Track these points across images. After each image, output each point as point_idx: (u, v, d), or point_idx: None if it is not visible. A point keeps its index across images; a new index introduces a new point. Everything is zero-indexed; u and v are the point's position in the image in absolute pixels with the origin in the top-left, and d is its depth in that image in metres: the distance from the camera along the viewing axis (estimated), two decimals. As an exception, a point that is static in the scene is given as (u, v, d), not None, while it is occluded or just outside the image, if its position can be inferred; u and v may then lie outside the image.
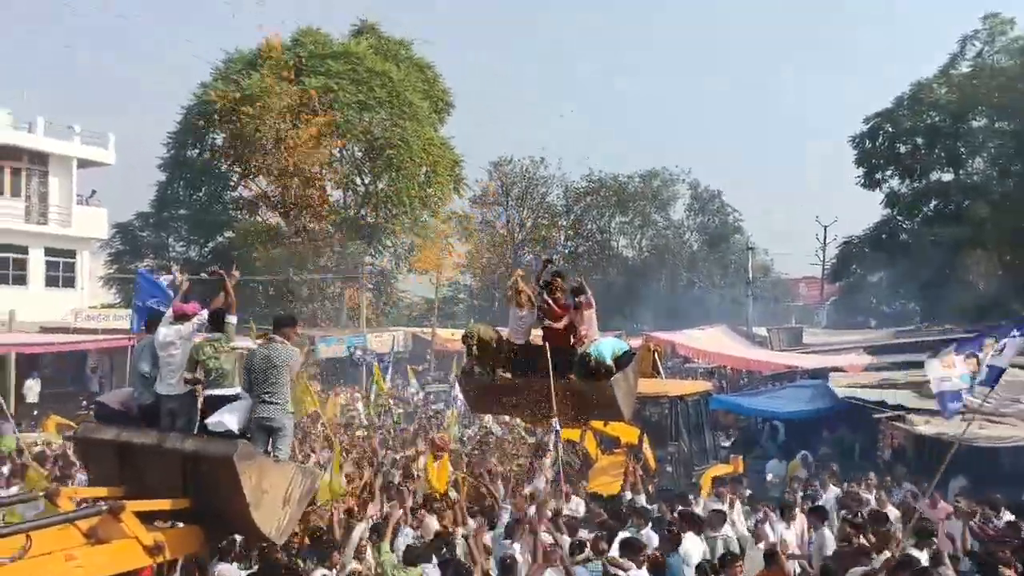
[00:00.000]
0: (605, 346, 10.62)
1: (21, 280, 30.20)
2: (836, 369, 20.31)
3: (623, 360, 10.72)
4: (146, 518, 6.84)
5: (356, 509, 10.56)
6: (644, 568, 8.34)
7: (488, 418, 19.19)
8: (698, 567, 8.48)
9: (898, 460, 16.02)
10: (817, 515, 10.24)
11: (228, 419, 7.27)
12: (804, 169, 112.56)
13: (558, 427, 10.36)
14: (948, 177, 40.27)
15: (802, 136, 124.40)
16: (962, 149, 39.06)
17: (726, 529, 10.25)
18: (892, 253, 39.73)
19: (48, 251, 31.15)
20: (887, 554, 8.30)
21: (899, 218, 41.55)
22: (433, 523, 10.12)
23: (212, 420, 7.27)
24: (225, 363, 7.48)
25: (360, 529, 9.23)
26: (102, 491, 7.26)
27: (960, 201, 38.24)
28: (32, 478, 11.83)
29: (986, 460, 14.56)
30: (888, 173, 41.66)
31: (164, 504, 7.05)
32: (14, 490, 11.31)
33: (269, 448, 7.43)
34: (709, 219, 53.71)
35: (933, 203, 40.17)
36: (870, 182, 41.88)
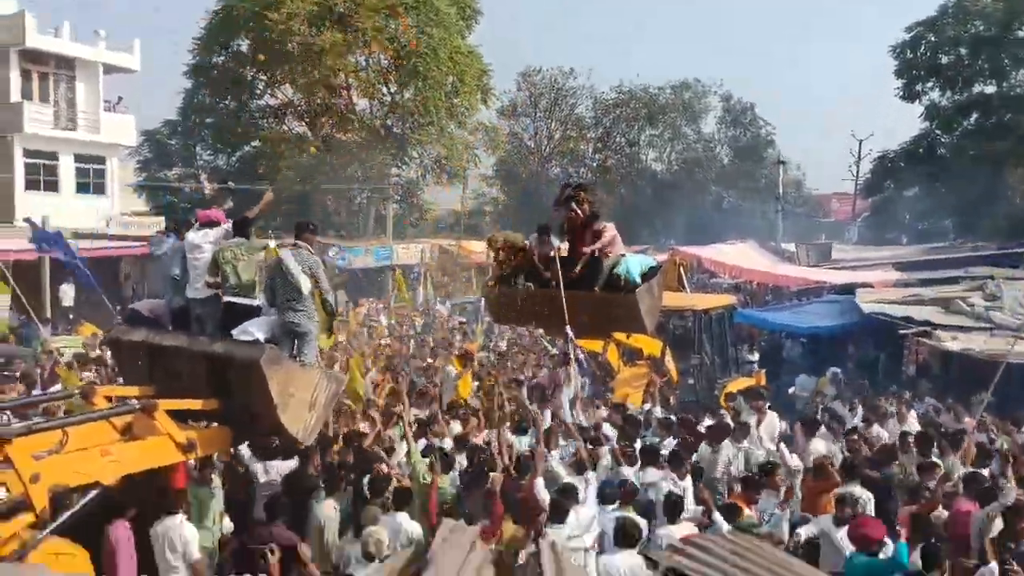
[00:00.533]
0: (633, 263, 10.61)
1: (53, 186, 30.48)
2: (864, 285, 20.11)
3: (649, 275, 10.71)
4: (178, 418, 7.08)
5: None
6: (688, 478, 8.62)
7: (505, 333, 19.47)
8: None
9: (922, 376, 16.03)
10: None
11: (254, 329, 7.40)
12: (841, 82, 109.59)
13: (571, 334, 10.41)
14: (991, 89, 38.97)
15: (840, 47, 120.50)
16: (1006, 60, 37.66)
17: (746, 443, 10.42)
18: (929, 168, 38.87)
19: (78, 157, 31.31)
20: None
21: (938, 132, 40.48)
22: (456, 428, 10.33)
23: (239, 330, 7.40)
24: (244, 272, 7.57)
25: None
26: (135, 391, 7.49)
27: (1002, 114, 37.11)
28: (67, 379, 12.15)
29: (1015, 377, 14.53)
30: (929, 85, 40.41)
31: (194, 404, 7.27)
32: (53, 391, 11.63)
33: (295, 353, 7.60)
34: (741, 132, 52.51)
35: (974, 116, 39.02)
36: (909, 94, 40.68)
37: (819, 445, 10.08)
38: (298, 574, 6.25)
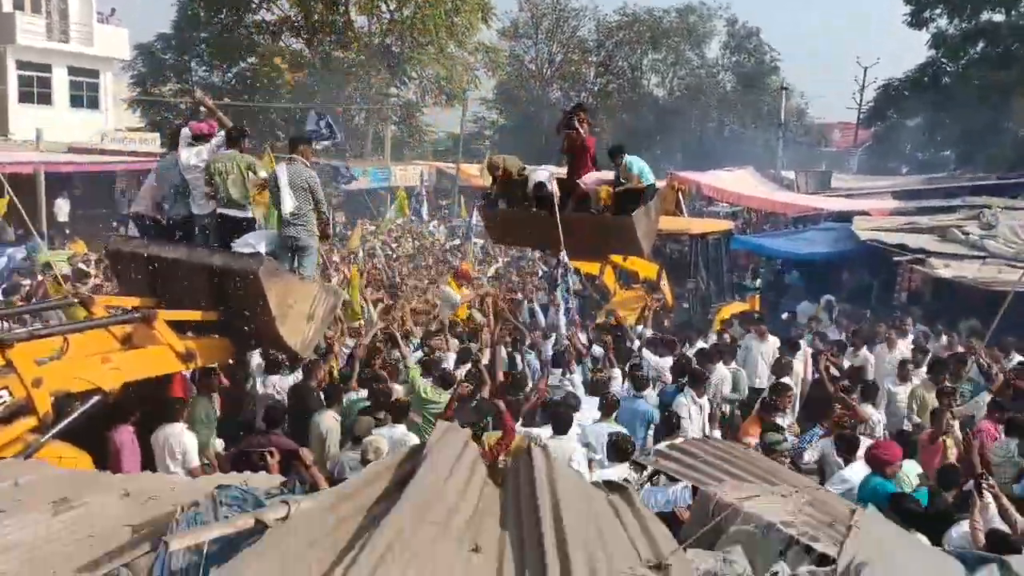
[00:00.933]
0: (635, 162, 10.60)
1: (46, 99, 30.09)
2: (861, 213, 20.10)
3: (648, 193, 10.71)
4: (178, 328, 7.16)
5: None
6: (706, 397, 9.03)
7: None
8: None
9: (914, 303, 16.17)
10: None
11: (255, 240, 7.45)
12: (849, 8, 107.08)
13: (566, 259, 10.46)
14: (999, 18, 38.21)
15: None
16: (1017, -13, 36.89)
17: (734, 365, 10.68)
18: (933, 97, 38.36)
19: (71, 70, 30.83)
20: None
21: (944, 60, 39.83)
22: (455, 345, 10.46)
23: (240, 242, 7.44)
24: (233, 186, 7.56)
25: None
26: (135, 300, 7.54)
27: (1009, 43, 36.49)
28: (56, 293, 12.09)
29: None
30: (936, 12, 39.58)
31: (194, 315, 7.33)
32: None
33: (294, 266, 7.66)
34: (745, 58, 51.60)
35: (980, 45, 38.35)
36: (917, 21, 39.86)
37: (798, 367, 10.31)
38: (300, 477, 6.41)
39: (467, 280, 13.94)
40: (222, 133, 7.88)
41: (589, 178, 10.77)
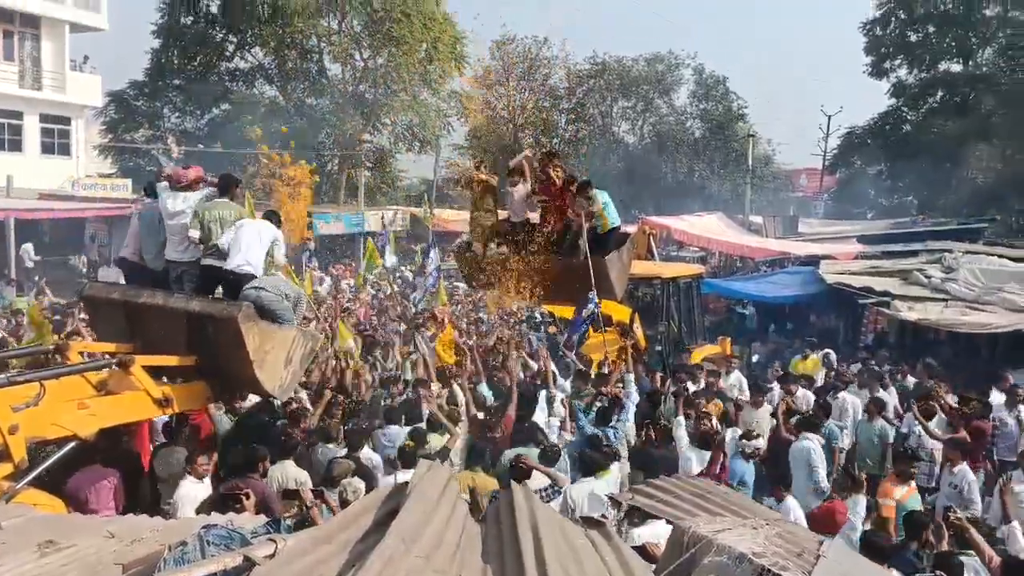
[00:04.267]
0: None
1: (17, 146, 30.02)
2: (828, 257, 20.55)
3: (610, 238, 10.95)
4: (154, 374, 7.16)
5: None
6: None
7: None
8: None
9: (880, 344, 16.49)
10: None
11: (252, 258, 7.49)
12: (811, 58, 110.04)
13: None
14: (957, 68, 39.59)
15: (811, 24, 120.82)
16: (973, 39, 38.24)
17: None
18: (894, 144, 39.47)
19: (43, 117, 30.82)
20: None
21: (904, 109, 41.09)
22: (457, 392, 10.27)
23: (235, 261, 7.43)
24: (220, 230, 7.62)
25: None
26: (111, 346, 7.52)
27: (967, 92, 37.75)
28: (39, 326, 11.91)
29: (964, 345, 15.13)
30: (897, 62, 40.94)
31: (171, 360, 7.32)
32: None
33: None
34: (713, 106, 52.68)
35: (940, 94, 39.63)
36: (878, 71, 41.20)
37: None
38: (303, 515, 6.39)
39: (445, 322, 13.97)
40: (215, 180, 7.97)
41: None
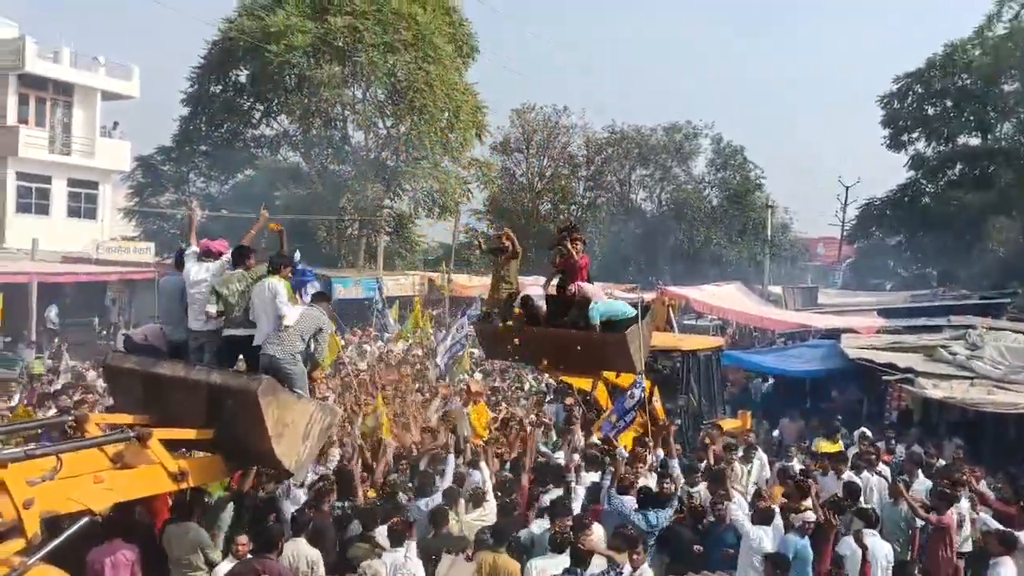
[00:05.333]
0: (599, 309, 10.80)
1: (44, 210, 30.58)
2: (849, 330, 20.36)
3: (620, 323, 10.88)
4: (170, 447, 7.10)
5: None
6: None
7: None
8: None
9: (904, 422, 16.21)
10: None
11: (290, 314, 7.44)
12: (829, 129, 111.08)
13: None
14: (976, 141, 39.77)
15: (829, 96, 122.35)
16: (992, 113, 38.50)
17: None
18: (913, 216, 39.47)
19: (71, 182, 31.47)
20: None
21: (923, 181, 41.18)
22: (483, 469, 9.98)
23: (285, 311, 7.36)
24: (242, 303, 7.63)
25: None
26: (128, 418, 7.48)
27: (986, 166, 37.86)
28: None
29: (992, 427, 14.81)
30: (915, 135, 41.18)
31: (189, 433, 7.27)
32: (48, 412, 11.60)
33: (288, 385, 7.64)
34: (730, 175, 53.03)
35: (959, 167, 39.75)
36: (896, 143, 41.43)
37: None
38: None
39: (480, 396, 13.80)
40: (230, 251, 8.01)
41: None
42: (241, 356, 7.85)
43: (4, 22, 31.27)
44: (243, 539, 7.02)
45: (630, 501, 8.70)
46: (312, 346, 7.61)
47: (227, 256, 7.86)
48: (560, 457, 10.60)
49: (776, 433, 16.12)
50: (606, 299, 11.15)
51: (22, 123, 29.86)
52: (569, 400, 14.00)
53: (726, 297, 26.12)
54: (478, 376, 17.64)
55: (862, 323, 22.21)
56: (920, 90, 39.99)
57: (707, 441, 12.22)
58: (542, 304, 11.48)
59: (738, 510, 8.73)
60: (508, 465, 10.61)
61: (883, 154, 42.41)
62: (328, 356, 14.05)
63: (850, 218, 47.93)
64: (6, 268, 22.36)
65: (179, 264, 8.07)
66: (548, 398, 15.36)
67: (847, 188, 49.84)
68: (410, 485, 9.46)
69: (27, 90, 30.18)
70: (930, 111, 40.46)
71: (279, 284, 7.49)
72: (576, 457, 10.40)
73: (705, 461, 11.14)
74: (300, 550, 7.29)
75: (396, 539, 7.41)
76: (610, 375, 13.19)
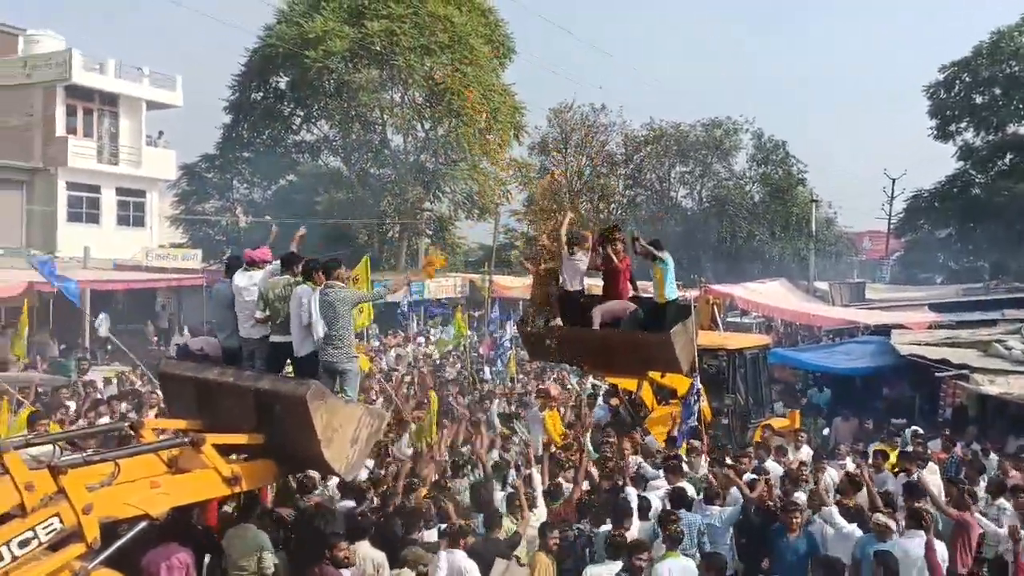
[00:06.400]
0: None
1: (94, 219, 31.22)
2: (899, 326, 19.96)
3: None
4: (223, 451, 7.20)
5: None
6: None
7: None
8: None
9: (958, 419, 15.84)
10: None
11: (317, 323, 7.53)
12: (873, 121, 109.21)
13: (699, 385, 10.56)
14: (1026, 130, 38.82)
15: (873, 86, 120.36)
16: (1042, 100, 37.57)
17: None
18: (963, 208, 38.62)
19: (119, 191, 32.09)
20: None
21: (972, 172, 40.29)
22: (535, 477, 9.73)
23: (312, 320, 7.47)
24: (284, 307, 7.71)
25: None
26: (182, 424, 7.61)
27: (1038, 155, 36.94)
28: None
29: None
30: (963, 125, 40.32)
31: (240, 438, 7.36)
32: (101, 420, 11.83)
33: (337, 389, 7.72)
34: (772, 170, 52.34)
35: (1009, 156, 38.82)
36: (943, 134, 40.64)
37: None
38: None
39: (556, 401, 13.71)
40: (277, 258, 8.10)
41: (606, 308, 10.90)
42: (288, 362, 7.93)
43: (52, 35, 31.98)
44: (343, 545, 7.09)
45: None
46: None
47: (273, 266, 7.95)
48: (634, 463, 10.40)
49: (826, 432, 15.83)
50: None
51: (71, 134, 30.52)
52: (614, 401, 13.95)
53: (771, 294, 25.78)
54: (554, 382, 17.48)
55: (913, 318, 21.77)
56: (967, 79, 39.17)
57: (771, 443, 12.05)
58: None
59: (834, 515, 8.44)
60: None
61: (930, 144, 41.58)
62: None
63: (897, 211, 47.08)
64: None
65: (229, 272, 8.18)
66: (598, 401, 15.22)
67: (893, 180, 48.98)
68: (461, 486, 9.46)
69: (75, 101, 30.84)
70: (978, 100, 39.59)
71: (308, 290, 7.58)
72: (636, 460, 10.30)
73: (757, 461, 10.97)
74: (365, 553, 7.33)
75: (452, 542, 7.42)
76: (656, 375, 13.10)
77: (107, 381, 17.58)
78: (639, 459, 10.76)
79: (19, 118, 30.16)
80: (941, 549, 7.71)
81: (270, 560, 7.27)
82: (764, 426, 13.55)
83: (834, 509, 8.49)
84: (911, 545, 7.64)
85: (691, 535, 8.27)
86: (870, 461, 10.95)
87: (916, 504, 8.40)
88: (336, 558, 6.96)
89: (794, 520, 8.36)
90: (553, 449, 11.41)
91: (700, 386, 11.03)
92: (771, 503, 8.99)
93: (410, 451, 10.48)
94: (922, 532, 7.72)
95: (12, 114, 29.95)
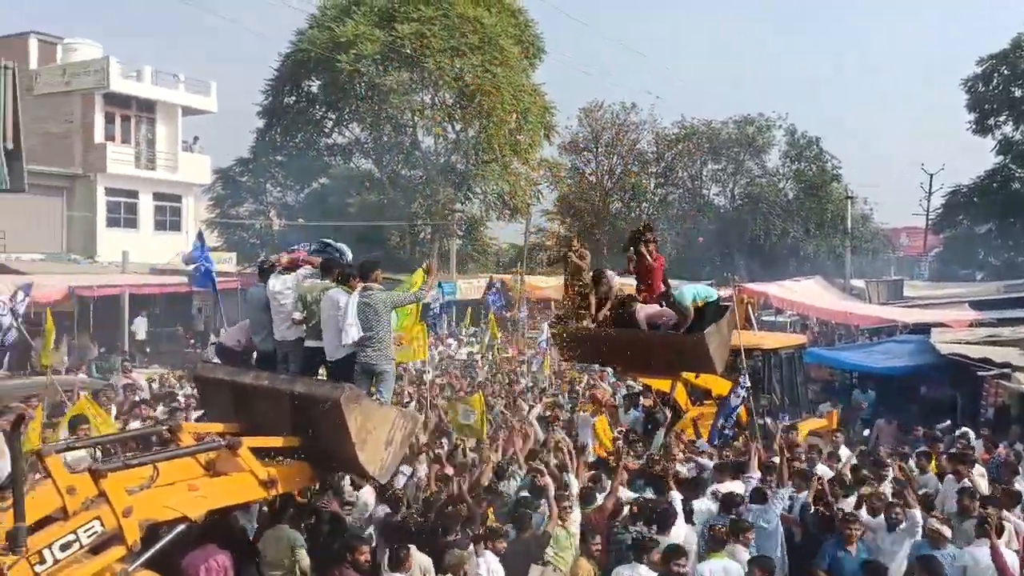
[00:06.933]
0: (687, 290, 10.65)
1: (132, 224, 31.74)
2: (938, 324, 19.60)
3: (708, 309, 10.70)
4: (259, 454, 7.26)
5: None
6: None
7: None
8: None
9: (1000, 419, 15.51)
10: None
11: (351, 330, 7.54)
12: (909, 115, 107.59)
13: (745, 384, 10.43)
14: (1067, 122, 37.98)
15: (909, 81, 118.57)
16: (1084, 92, 36.74)
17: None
18: (1003, 202, 37.88)
19: (156, 196, 32.58)
20: None
21: (1012, 166, 39.48)
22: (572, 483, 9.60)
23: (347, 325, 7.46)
24: (318, 311, 7.73)
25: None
26: (219, 427, 7.67)
27: (1079, 148, 36.12)
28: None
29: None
30: (1001, 119, 39.53)
31: (276, 441, 7.41)
32: (134, 424, 11.97)
33: (372, 391, 7.76)
34: (806, 166, 51.68)
35: (1050, 150, 38.04)
36: (982, 128, 39.86)
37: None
38: None
39: (605, 406, 13.65)
40: (317, 261, 8.13)
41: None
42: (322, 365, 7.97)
43: (89, 43, 32.52)
44: (365, 548, 7.13)
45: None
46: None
47: (307, 268, 7.99)
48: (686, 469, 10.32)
49: (866, 433, 15.59)
50: (669, 317, 10.88)
51: (109, 140, 31.04)
52: (648, 402, 13.86)
53: (806, 292, 25.47)
54: (606, 386, 17.35)
55: (953, 316, 21.37)
56: (1006, 71, 38.39)
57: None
58: (615, 280, 11.40)
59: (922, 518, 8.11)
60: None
61: (969, 139, 40.80)
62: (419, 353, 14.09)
63: (935, 206, 46.28)
64: (99, 281, 23.25)
65: (262, 275, 8.24)
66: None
67: (931, 176, 48.17)
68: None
69: (112, 108, 31.37)
70: (1017, 93, 38.80)
71: (343, 294, 7.57)
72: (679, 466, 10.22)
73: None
74: (413, 557, 7.36)
75: (485, 544, 7.42)
76: (690, 376, 13.01)
77: (149, 382, 17.83)
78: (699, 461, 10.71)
79: (59, 125, 30.75)
80: (1011, 557, 7.51)
81: (304, 556, 7.32)
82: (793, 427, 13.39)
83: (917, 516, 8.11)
84: (980, 553, 7.43)
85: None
86: (912, 463, 10.76)
87: (983, 509, 8.16)
88: (357, 562, 7.00)
89: (853, 532, 7.98)
90: (604, 454, 11.35)
91: (748, 384, 10.76)
92: (826, 510, 8.66)
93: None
94: (986, 539, 7.50)
95: (52, 121, 30.53)
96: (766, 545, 8.22)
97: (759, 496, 8.77)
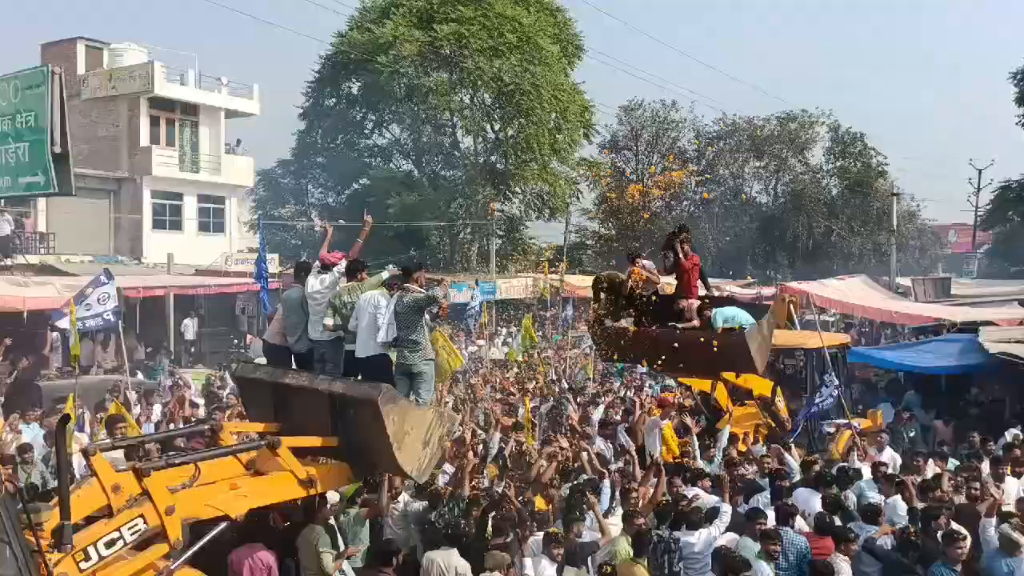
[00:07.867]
0: (719, 313, 10.54)
1: (177, 225, 32.28)
2: (988, 322, 19.07)
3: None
4: (298, 453, 7.33)
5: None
6: None
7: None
8: None
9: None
10: None
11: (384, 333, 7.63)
12: (957, 109, 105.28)
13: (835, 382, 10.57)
14: (1122, 114, 36.81)
15: (956, 74, 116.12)
16: None
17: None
18: (1055, 198, 36.82)
19: (200, 198, 33.10)
20: None
21: (1064, 161, 38.39)
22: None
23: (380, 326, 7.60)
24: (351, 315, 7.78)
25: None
26: (260, 427, 7.79)
27: None
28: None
29: None
30: (1052, 111, 38.47)
31: (315, 441, 7.50)
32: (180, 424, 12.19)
33: (411, 393, 7.78)
34: (850, 163, 50.71)
35: (1105, 143, 36.88)
36: (1032, 122, 38.81)
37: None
38: None
39: (672, 409, 13.52)
40: (343, 263, 8.18)
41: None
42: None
43: (135, 48, 33.11)
44: (352, 549, 7.19)
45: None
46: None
47: (340, 267, 8.05)
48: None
49: (912, 434, 15.22)
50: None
51: (154, 143, 31.61)
52: (687, 402, 13.72)
53: (850, 291, 24.99)
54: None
55: (1003, 314, 20.80)
56: (1058, 62, 37.35)
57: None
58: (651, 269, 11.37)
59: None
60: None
61: (1019, 133, 39.70)
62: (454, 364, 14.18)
63: (984, 203, 45.17)
64: (145, 283, 23.68)
65: (298, 276, 8.32)
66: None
67: (980, 171, 47.05)
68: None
69: (157, 112, 31.93)
70: (1069, 84, 37.73)
71: (382, 297, 7.65)
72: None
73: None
74: (451, 561, 7.38)
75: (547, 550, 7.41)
76: (731, 376, 12.85)
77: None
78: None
79: (106, 129, 31.41)
80: None
81: (329, 560, 7.37)
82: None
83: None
84: None
85: (793, 558, 7.77)
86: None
87: None
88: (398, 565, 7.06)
89: (960, 551, 7.27)
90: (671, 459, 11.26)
91: (837, 381, 11.18)
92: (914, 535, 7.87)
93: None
94: None
95: (99, 126, 31.19)
96: None
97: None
